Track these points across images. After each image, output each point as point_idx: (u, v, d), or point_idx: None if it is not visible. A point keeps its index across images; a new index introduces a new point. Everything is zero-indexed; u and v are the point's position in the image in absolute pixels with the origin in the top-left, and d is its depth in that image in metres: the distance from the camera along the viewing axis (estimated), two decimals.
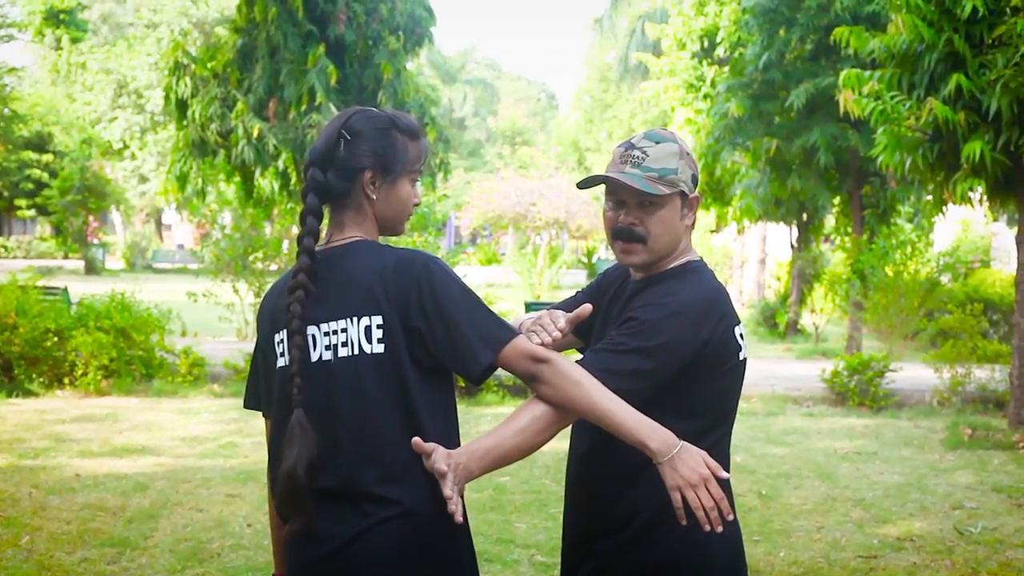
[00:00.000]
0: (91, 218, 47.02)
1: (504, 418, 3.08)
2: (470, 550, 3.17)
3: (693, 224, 3.44)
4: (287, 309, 3.05)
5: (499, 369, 3.05)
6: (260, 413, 3.33)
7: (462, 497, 2.99)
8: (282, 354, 3.10)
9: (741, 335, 3.36)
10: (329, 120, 3.22)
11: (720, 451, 3.32)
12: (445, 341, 2.99)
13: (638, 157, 3.29)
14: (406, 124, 3.20)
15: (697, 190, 3.43)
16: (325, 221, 3.21)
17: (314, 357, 3.03)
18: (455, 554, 3.09)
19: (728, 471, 3.34)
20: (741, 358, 3.35)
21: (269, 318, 3.20)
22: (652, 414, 3.03)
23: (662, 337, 3.13)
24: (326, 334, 3.04)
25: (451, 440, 3.06)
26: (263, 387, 3.26)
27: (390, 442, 2.97)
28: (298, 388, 2.99)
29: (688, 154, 3.35)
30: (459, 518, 2.85)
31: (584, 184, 3.46)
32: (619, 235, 3.34)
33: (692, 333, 3.16)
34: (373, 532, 2.95)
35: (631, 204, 3.31)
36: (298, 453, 2.93)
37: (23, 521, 8.01)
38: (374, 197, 3.14)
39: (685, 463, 2.95)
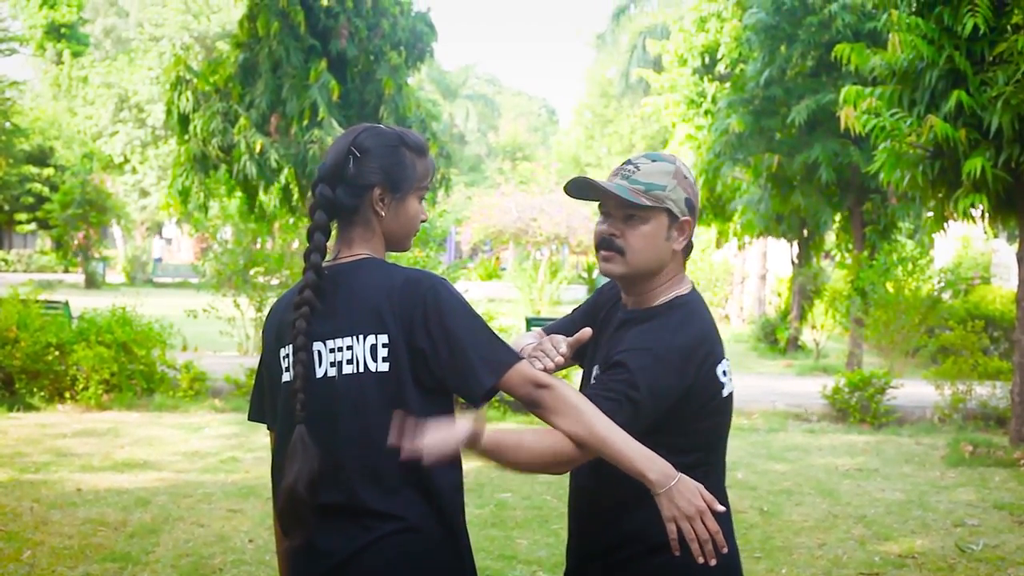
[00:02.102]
0: (91, 231, 46.90)
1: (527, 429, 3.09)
2: (472, 566, 3.18)
3: (688, 251, 3.44)
4: (292, 325, 3.06)
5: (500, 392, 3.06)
6: (263, 426, 3.36)
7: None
8: (287, 369, 3.11)
9: (725, 372, 3.35)
10: (337, 137, 3.24)
11: (712, 480, 3.31)
12: (449, 362, 3.00)
13: (629, 171, 3.33)
14: (414, 141, 3.23)
15: (699, 205, 3.45)
16: (332, 237, 3.22)
17: (319, 373, 3.05)
18: (457, 570, 3.09)
19: (725, 498, 3.37)
20: (725, 395, 3.34)
21: (275, 333, 3.21)
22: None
23: (647, 384, 3.13)
24: (331, 351, 3.05)
25: (451, 459, 3.04)
26: (267, 400, 3.27)
27: (392, 458, 2.95)
28: (301, 404, 3.01)
29: (686, 178, 3.36)
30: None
31: (569, 187, 3.43)
32: (599, 245, 3.38)
33: (677, 379, 3.18)
34: (375, 547, 2.96)
35: (616, 216, 3.34)
36: (299, 469, 2.95)
37: (24, 535, 8.00)
38: (383, 214, 3.16)
39: (682, 495, 2.96)
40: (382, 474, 2.98)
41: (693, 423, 3.25)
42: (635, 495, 3.12)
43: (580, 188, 3.40)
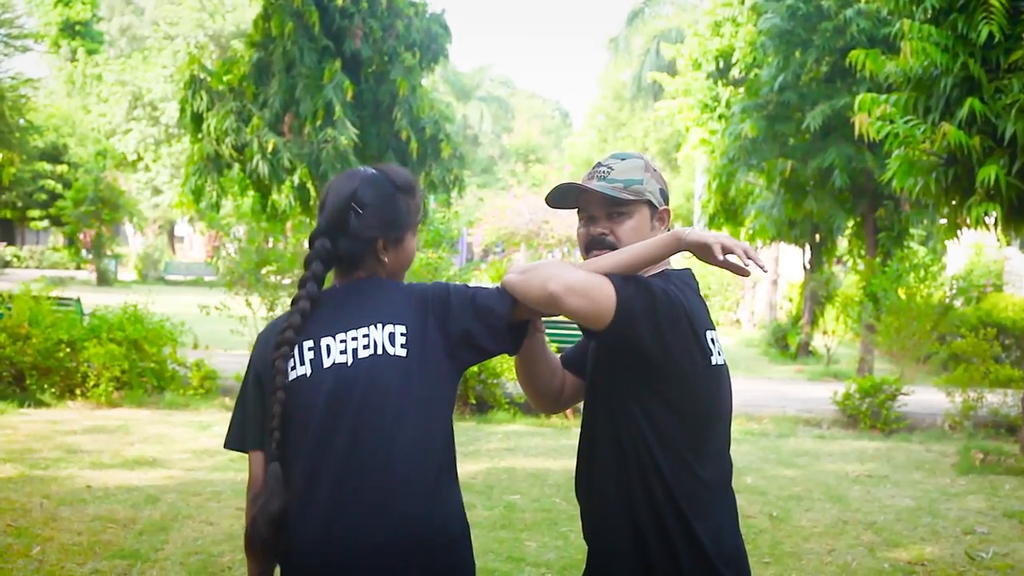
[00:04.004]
0: (104, 228, 46.81)
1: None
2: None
3: None
4: (272, 364, 3.18)
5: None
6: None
7: None
8: (292, 367, 3.18)
9: (714, 340, 3.41)
10: (329, 188, 3.38)
11: (705, 453, 3.37)
12: (482, 327, 3.22)
13: (604, 172, 3.46)
14: (404, 183, 3.37)
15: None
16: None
17: (326, 363, 3.14)
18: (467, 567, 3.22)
19: (720, 473, 3.44)
20: (714, 363, 3.38)
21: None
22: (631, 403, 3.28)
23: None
24: (342, 341, 3.16)
25: (449, 443, 3.22)
26: (256, 423, 3.27)
27: (411, 441, 3.11)
28: (276, 443, 3.12)
29: (655, 170, 3.52)
30: None
31: (552, 196, 3.55)
32: (591, 246, 3.46)
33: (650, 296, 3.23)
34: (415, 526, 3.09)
35: (600, 216, 3.45)
36: (264, 504, 3.08)
37: (34, 532, 8.01)
38: (386, 260, 3.31)
39: (704, 231, 3.17)
40: (399, 458, 3.08)
41: (681, 378, 3.28)
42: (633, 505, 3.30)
43: (561, 195, 3.52)
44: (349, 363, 3.12)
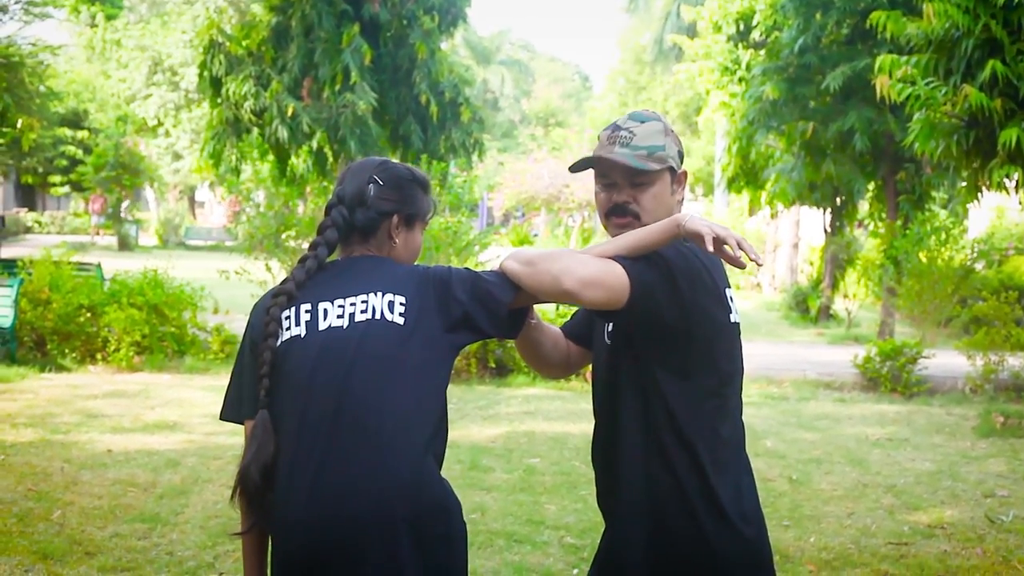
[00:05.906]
0: (124, 193, 46.80)
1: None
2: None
3: (682, 200, 3.54)
4: (266, 311, 3.22)
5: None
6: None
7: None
8: (287, 328, 3.20)
9: (732, 298, 3.41)
10: (349, 167, 3.44)
11: (726, 411, 3.38)
12: (481, 310, 3.22)
13: (626, 137, 3.40)
14: (422, 178, 3.46)
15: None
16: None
17: (322, 326, 3.17)
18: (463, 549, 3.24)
19: (737, 432, 3.43)
20: (732, 320, 3.38)
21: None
22: (650, 371, 3.27)
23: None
24: (339, 306, 3.19)
25: (442, 421, 3.23)
26: (252, 393, 3.25)
27: (404, 410, 3.11)
28: (265, 390, 3.14)
29: (672, 131, 3.48)
30: None
31: (576, 167, 3.54)
32: (613, 212, 3.43)
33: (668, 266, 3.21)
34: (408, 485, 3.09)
35: (622, 183, 3.41)
36: (255, 452, 3.09)
37: (55, 496, 8.05)
38: (396, 241, 3.35)
39: (703, 219, 3.12)
40: (387, 427, 3.07)
41: (703, 336, 3.28)
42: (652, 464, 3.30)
43: (586, 163, 3.49)
44: (345, 326, 3.14)
